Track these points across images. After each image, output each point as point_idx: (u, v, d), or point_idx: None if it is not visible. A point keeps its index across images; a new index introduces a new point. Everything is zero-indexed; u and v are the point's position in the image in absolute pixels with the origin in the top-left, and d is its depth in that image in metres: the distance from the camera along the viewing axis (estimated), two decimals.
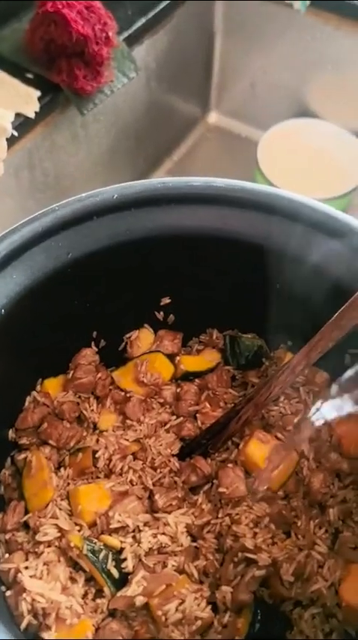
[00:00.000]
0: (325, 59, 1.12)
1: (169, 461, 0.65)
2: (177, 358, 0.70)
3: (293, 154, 1.11)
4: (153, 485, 0.64)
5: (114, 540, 0.59)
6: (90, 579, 0.59)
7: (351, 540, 0.59)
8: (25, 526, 0.61)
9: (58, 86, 0.92)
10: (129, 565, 0.58)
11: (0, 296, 0.56)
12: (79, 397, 0.68)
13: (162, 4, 1.05)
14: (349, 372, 0.54)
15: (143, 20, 1.03)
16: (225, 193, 0.62)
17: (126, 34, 1.00)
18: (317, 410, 0.54)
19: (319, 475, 0.62)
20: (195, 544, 0.60)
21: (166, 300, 0.70)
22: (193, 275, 0.67)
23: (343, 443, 0.64)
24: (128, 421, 0.67)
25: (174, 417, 0.68)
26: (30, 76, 0.93)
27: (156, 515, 0.61)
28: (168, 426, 0.67)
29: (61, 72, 0.92)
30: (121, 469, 0.64)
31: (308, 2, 1.08)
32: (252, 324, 0.70)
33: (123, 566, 0.59)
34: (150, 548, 0.59)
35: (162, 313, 0.71)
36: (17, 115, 0.89)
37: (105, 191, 0.60)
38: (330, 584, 0.57)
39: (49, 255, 0.58)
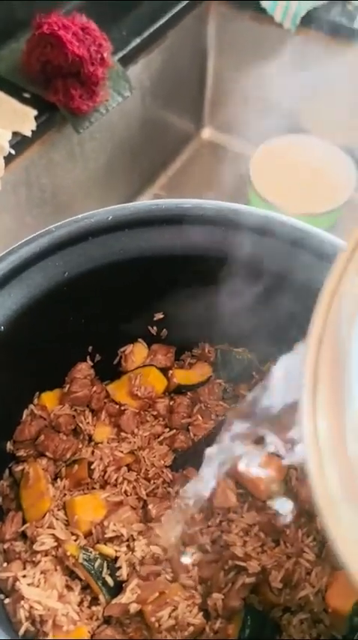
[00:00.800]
0: (316, 77, 1.15)
1: (162, 472, 0.67)
2: (170, 372, 0.72)
3: (285, 170, 1.13)
4: (147, 495, 0.66)
5: (109, 549, 0.61)
6: (85, 587, 0.61)
7: None
8: (23, 536, 0.63)
9: (55, 105, 0.95)
10: (123, 573, 0.60)
11: None
12: (75, 410, 0.70)
13: (156, 25, 1.07)
14: None
15: (137, 40, 1.05)
16: (214, 214, 0.64)
17: (121, 54, 1.03)
18: None
19: (306, 485, 0.64)
20: (187, 552, 0.62)
21: (159, 316, 0.72)
22: (185, 291, 0.69)
23: None
24: (122, 433, 0.69)
25: (167, 429, 0.70)
26: (27, 95, 0.96)
27: (150, 524, 0.63)
28: (161, 438, 0.69)
29: (57, 92, 0.95)
30: (116, 480, 0.66)
31: (297, 22, 1.11)
32: (242, 338, 0.72)
33: (117, 574, 0.61)
34: (143, 557, 0.61)
35: (155, 328, 0.73)
36: (14, 133, 0.91)
37: (99, 213, 0.62)
38: (317, 591, 0.59)
39: (46, 274, 0.61)
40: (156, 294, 0.69)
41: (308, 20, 1.10)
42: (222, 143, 1.29)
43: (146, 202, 0.64)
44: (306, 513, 0.64)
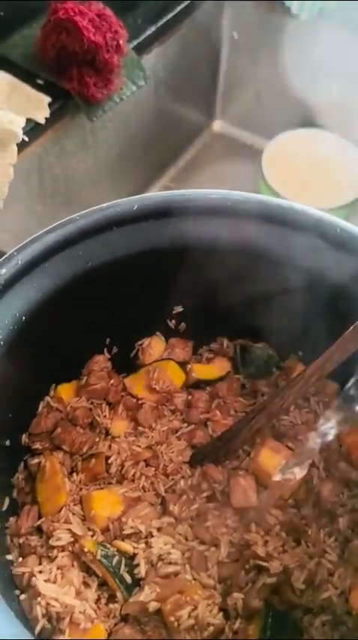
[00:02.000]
0: (330, 70, 1.14)
1: (181, 468, 0.66)
2: (189, 366, 0.71)
3: (297, 163, 1.12)
4: (165, 492, 0.64)
5: (127, 546, 0.60)
6: (103, 584, 0.60)
7: None
8: (39, 530, 0.62)
9: (69, 93, 0.93)
10: (141, 571, 0.59)
11: (22, 303, 0.57)
12: (92, 403, 0.69)
13: (171, 14, 1.06)
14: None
15: (152, 29, 1.04)
16: (241, 206, 0.63)
17: (135, 43, 1.01)
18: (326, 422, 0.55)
19: (328, 484, 0.63)
20: (207, 551, 0.61)
21: (179, 309, 0.71)
22: (206, 284, 0.67)
23: (352, 453, 0.65)
24: (140, 428, 0.68)
25: (186, 424, 0.69)
26: (40, 82, 0.94)
27: (169, 521, 0.62)
28: (179, 433, 0.68)
29: (71, 79, 0.93)
30: (133, 475, 0.65)
31: (314, 13, 1.10)
32: (262, 333, 0.71)
33: (135, 571, 0.59)
34: (162, 554, 0.60)
35: (174, 321, 0.71)
36: (28, 120, 0.89)
37: (124, 202, 0.60)
38: (340, 592, 0.58)
39: (69, 263, 0.59)
40: (176, 286, 0.68)
41: (325, 13, 1.09)
42: (233, 136, 1.28)
43: (171, 192, 0.62)
44: (328, 513, 0.63)
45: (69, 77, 0.93)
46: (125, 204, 0.60)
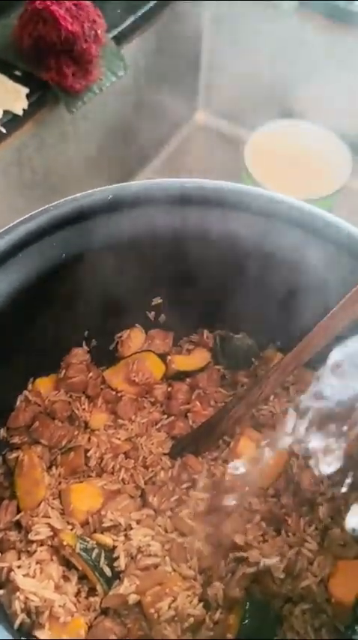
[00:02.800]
0: (312, 61, 1.13)
1: (161, 459, 0.65)
2: (169, 357, 0.71)
3: (280, 155, 1.11)
4: (145, 483, 0.64)
5: (106, 539, 0.60)
6: (82, 577, 0.60)
7: (340, 537, 0.60)
8: (17, 525, 0.62)
9: (47, 83, 0.92)
10: (121, 563, 0.59)
11: None
12: (71, 396, 0.68)
13: (151, 3, 1.05)
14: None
15: (132, 19, 1.03)
16: (217, 195, 0.62)
17: (115, 32, 1.00)
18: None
19: (308, 473, 0.63)
20: (186, 542, 0.61)
21: (158, 300, 0.70)
22: (185, 275, 0.67)
23: None
24: (119, 420, 0.68)
25: (166, 416, 0.69)
26: (18, 73, 0.93)
27: (148, 513, 0.62)
28: (159, 425, 0.68)
29: (49, 69, 0.92)
30: (113, 468, 0.65)
31: (296, 3, 1.09)
32: (242, 324, 0.71)
33: (115, 564, 0.59)
34: (142, 546, 0.60)
35: (153, 313, 0.71)
36: (5, 112, 0.88)
37: (99, 191, 0.60)
38: (320, 581, 0.58)
39: (44, 254, 0.59)
40: (155, 277, 0.67)
41: (307, 2, 1.08)
42: (216, 127, 1.27)
43: (147, 181, 0.62)
44: (308, 502, 0.63)
45: (47, 68, 0.92)
46: (100, 194, 0.60)
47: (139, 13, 1.03)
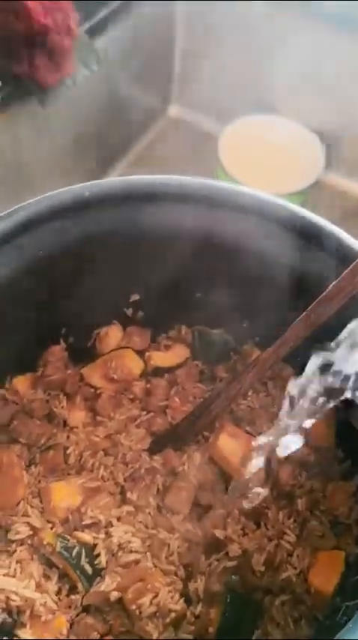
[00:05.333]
0: (285, 56, 1.13)
1: (140, 456, 0.65)
2: (147, 354, 0.71)
3: (253, 149, 1.12)
4: (125, 480, 0.64)
5: (86, 536, 0.60)
6: (63, 575, 0.59)
7: (318, 529, 0.61)
8: None
9: (19, 77, 0.90)
10: (102, 560, 0.59)
11: None
12: (49, 394, 0.68)
13: None
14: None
15: (105, 11, 1.02)
16: (193, 192, 0.62)
17: (87, 26, 0.99)
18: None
19: (287, 466, 0.64)
20: (167, 538, 0.61)
21: (135, 297, 0.70)
22: (162, 272, 0.67)
23: (309, 435, 0.66)
24: (98, 417, 0.68)
25: (144, 412, 0.69)
26: None
27: (129, 510, 0.62)
28: (138, 421, 0.68)
29: (21, 63, 0.91)
30: (92, 465, 0.65)
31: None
32: (220, 319, 0.71)
33: (96, 562, 0.59)
34: (122, 543, 0.60)
35: (131, 310, 0.71)
36: None
37: (75, 189, 0.59)
38: (299, 572, 0.59)
39: (20, 253, 0.58)
40: (132, 274, 0.67)
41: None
42: (189, 121, 1.27)
43: (123, 178, 0.61)
44: (286, 495, 0.63)
45: (19, 61, 0.90)
46: (76, 191, 0.59)
47: (112, 5, 1.03)
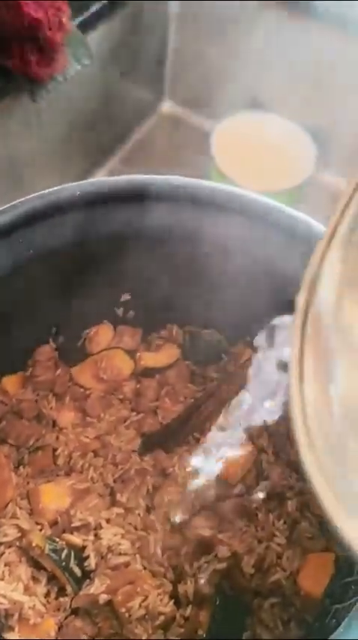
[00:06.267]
0: (278, 53, 1.13)
1: (130, 457, 0.65)
2: (138, 354, 0.70)
3: (246, 146, 1.11)
4: (115, 482, 0.64)
5: (76, 539, 0.59)
6: (52, 578, 0.59)
7: (308, 530, 0.61)
8: None
9: (10, 71, 0.89)
10: (91, 563, 0.59)
11: None
12: (38, 394, 0.67)
13: None
14: None
15: (97, 6, 1.00)
16: (186, 192, 0.62)
17: (79, 20, 0.98)
18: None
19: (277, 468, 0.64)
20: (156, 539, 0.61)
21: (126, 297, 0.69)
22: (154, 272, 0.66)
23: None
24: (88, 418, 0.67)
25: (134, 413, 0.68)
26: None
27: (118, 511, 0.61)
28: (128, 422, 0.67)
29: (12, 57, 0.89)
30: (82, 466, 0.64)
31: None
32: (211, 320, 0.70)
33: (85, 564, 0.59)
34: (112, 545, 0.59)
35: (121, 309, 0.70)
36: None
37: (67, 188, 0.58)
38: (289, 574, 0.59)
39: (10, 251, 0.57)
40: (124, 274, 0.66)
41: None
42: (182, 117, 1.26)
43: (116, 178, 0.61)
44: (277, 496, 0.63)
45: (10, 55, 0.89)
46: (69, 190, 0.58)
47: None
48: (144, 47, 1.15)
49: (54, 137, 1.03)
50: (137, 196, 0.62)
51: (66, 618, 0.58)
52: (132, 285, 0.69)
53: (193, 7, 1.15)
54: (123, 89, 1.15)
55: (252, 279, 0.64)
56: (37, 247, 0.59)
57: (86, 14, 0.99)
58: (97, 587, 0.57)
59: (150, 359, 0.70)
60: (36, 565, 0.59)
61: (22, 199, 0.57)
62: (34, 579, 0.58)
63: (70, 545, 0.59)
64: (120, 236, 0.63)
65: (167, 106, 1.27)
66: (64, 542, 0.59)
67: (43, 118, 0.98)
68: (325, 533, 0.61)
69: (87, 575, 0.59)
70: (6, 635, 0.55)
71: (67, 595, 0.58)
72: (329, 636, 0.47)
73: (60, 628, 0.57)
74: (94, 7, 1.00)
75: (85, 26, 0.99)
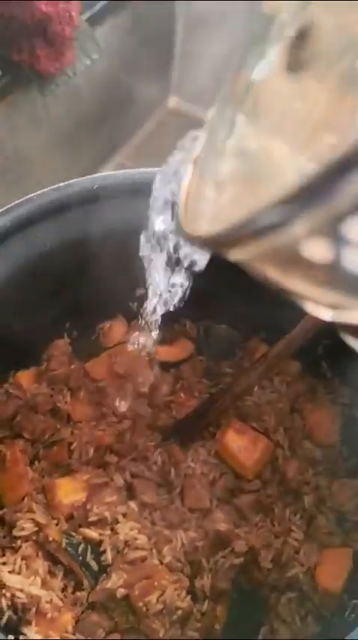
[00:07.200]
0: None
1: (146, 451, 0.65)
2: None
3: None
4: (131, 476, 0.63)
5: (92, 533, 0.59)
6: (68, 572, 0.59)
7: (325, 526, 0.61)
8: (1, 521, 0.60)
9: (19, 65, 0.89)
10: (108, 557, 0.59)
11: None
12: (53, 389, 0.67)
13: None
14: None
15: (105, 1, 1.00)
16: None
17: (88, 15, 0.97)
18: None
19: (293, 463, 0.64)
20: (173, 534, 0.61)
21: (141, 291, 0.69)
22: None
23: (315, 431, 0.66)
24: (103, 411, 0.67)
25: (149, 407, 0.68)
26: None
27: (135, 506, 0.61)
28: (143, 416, 0.67)
29: (22, 51, 0.89)
30: (97, 461, 0.64)
31: None
32: (226, 315, 0.70)
33: (102, 558, 0.59)
34: (128, 540, 0.59)
35: (136, 304, 0.70)
36: None
37: (83, 181, 0.58)
38: (306, 569, 0.59)
39: (27, 245, 0.57)
40: (138, 268, 0.66)
41: None
42: (188, 112, 1.25)
43: (132, 171, 0.60)
44: (293, 492, 0.63)
45: (19, 49, 0.89)
46: (83, 183, 0.58)
47: None
48: (151, 42, 1.15)
49: (62, 131, 1.02)
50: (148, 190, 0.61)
51: (83, 612, 0.58)
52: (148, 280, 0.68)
53: (200, 3, 1.14)
54: (130, 84, 1.15)
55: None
56: (52, 242, 0.59)
57: (95, 9, 0.98)
58: (114, 582, 0.57)
59: (165, 353, 0.70)
60: (53, 559, 0.59)
61: (37, 193, 0.57)
62: (51, 573, 0.58)
63: (87, 540, 0.59)
64: (134, 230, 0.63)
65: (173, 102, 1.26)
66: (80, 537, 0.59)
67: (51, 112, 0.98)
68: (342, 528, 0.61)
69: (103, 569, 0.58)
70: (24, 629, 0.54)
71: (83, 589, 0.58)
72: (348, 632, 0.47)
73: (77, 622, 0.57)
74: (103, 2, 0.99)
75: (94, 21, 0.98)
